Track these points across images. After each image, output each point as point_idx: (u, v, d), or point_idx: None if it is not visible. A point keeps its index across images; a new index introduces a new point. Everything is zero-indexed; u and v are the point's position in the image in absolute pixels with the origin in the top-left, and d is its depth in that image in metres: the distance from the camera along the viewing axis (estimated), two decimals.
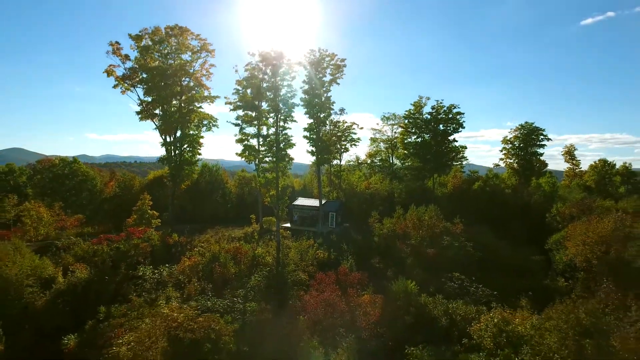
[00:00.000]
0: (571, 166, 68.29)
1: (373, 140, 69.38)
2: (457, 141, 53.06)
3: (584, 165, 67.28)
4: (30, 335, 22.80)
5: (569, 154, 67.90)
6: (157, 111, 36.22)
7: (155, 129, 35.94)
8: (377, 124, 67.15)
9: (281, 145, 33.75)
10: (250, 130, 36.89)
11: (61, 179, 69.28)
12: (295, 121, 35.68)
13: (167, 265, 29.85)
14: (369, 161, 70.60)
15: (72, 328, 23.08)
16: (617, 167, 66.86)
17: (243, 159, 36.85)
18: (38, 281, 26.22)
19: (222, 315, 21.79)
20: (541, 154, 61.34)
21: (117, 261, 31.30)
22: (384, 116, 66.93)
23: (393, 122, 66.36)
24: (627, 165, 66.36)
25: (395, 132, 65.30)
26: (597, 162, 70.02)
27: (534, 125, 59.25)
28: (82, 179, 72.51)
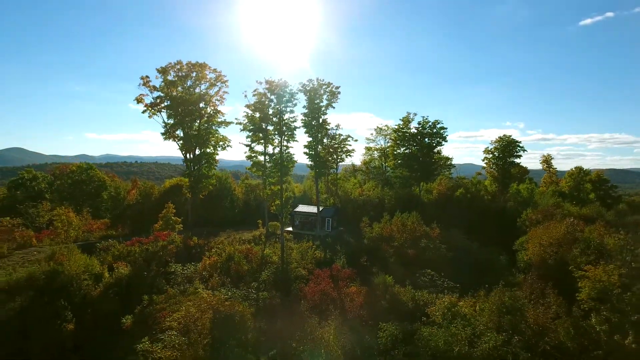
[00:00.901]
0: (548, 173, 75.01)
1: (368, 149, 76.24)
2: (441, 152, 59.75)
3: (585, 165, 73.85)
4: (91, 318, 29.46)
5: (546, 162, 74.68)
6: (178, 132, 42.87)
7: (178, 149, 42.70)
8: (371, 134, 73.85)
9: (285, 162, 40.48)
10: (259, 148, 43.53)
11: (80, 185, 76.35)
12: (296, 141, 42.47)
13: (192, 263, 36.56)
14: (364, 168, 77.45)
15: (122, 313, 29.76)
16: (591, 174, 73.60)
17: (252, 172, 43.50)
18: (91, 276, 32.90)
19: (240, 302, 28.44)
20: (518, 164, 68.00)
21: (149, 260, 37.96)
22: (378, 127, 73.83)
23: (385, 134, 73.23)
24: (600, 173, 73.01)
25: (387, 142, 72.10)
26: (573, 169, 76.73)
27: (511, 137, 66.02)
28: (99, 184, 79.63)
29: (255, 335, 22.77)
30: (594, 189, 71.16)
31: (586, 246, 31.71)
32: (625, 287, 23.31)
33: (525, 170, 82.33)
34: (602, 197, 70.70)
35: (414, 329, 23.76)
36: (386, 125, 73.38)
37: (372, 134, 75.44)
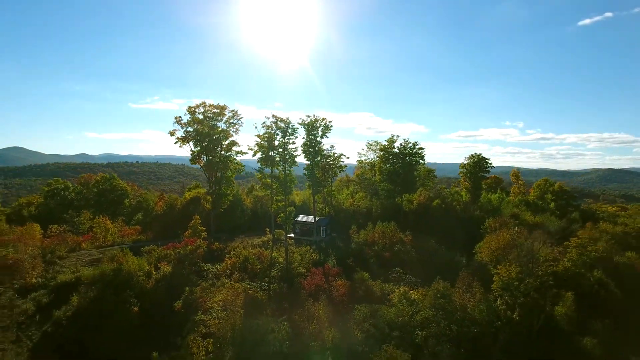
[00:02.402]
0: (517, 185, 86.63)
1: (360, 162, 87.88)
2: (420, 170, 71.16)
3: (584, 164, 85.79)
4: (148, 305, 40.95)
5: (515, 176, 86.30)
6: (203, 158, 54.38)
7: (203, 172, 54.24)
8: (363, 149, 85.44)
9: (288, 183, 51.99)
10: (267, 170, 54.99)
11: (104, 193, 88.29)
12: (297, 165, 53.99)
13: (217, 263, 48.15)
14: (356, 179, 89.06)
15: (170, 300, 41.21)
16: (554, 186, 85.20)
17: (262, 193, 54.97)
18: (143, 273, 44.41)
19: (258, 291, 40.00)
20: (487, 178, 79.63)
21: (182, 261, 49.46)
22: (369, 143, 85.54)
23: (375, 149, 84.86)
24: (561, 185, 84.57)
25: (377, 156, 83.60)
26: (540, 180, 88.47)
27: (481, 155, 77.58)
28: (121, 192, 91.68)
29: (270, 311, 34.36)
30: (555, 199, 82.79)
31: (520, 250, 43.21)
32: (520, 280, 34.91)
33: (499, 181, 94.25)
34: (563, 206, 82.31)
35: (378, 308, 35.37)
36: (375, 142, 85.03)
37: (363, 149, 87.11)
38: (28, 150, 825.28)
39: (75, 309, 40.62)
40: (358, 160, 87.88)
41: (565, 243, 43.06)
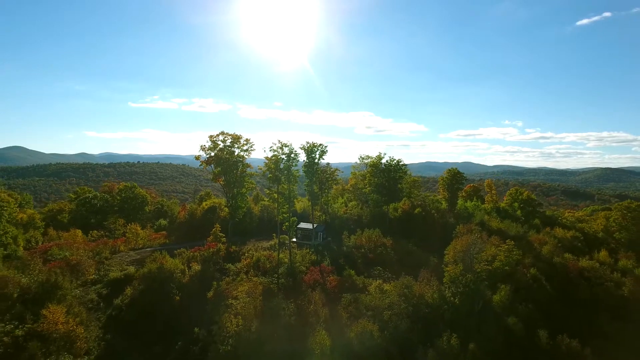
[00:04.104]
0: (490, 194, 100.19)
1: (353, 174, 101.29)
2: (401, 184, 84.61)
3: (583, 163, 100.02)
4: (186, 295, 54.29)
5: (489, 186, 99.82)
6: (222, 177, 67.95)
7: (222, 188, 67.61)
8: (356, 162, 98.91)
9: (291, 198, 65.42)
10: (274, 186, 68.49)
11: (127, 201, 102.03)
12: (298, 183, 67.41)
13: (236, 262, 61.66)
14: (350, 188, 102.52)
15: (203, 291, 54.65)
16: (523, 195, 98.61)
17: (269, 203, 68.44)
18: (179, 270, 57.82)
19: (270, 283, 53.53)
20: (462, 189, 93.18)
21: (207, 261, 62.87)
22: (361, 157, 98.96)
23: (367, 162, 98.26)
24: (529, 194, 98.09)
25: (367, 170, 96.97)
26: (512, 189, 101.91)
27: (457, 170, 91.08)
28: (142, 200, 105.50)
29: (280, 298, 47.94)
30: (523, 206, 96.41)
31: (465, 253, 56.64)
32: (462, 275, 48.40)
33: (477, 189, 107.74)
34: (530, 213, 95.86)
35: (359, 296, 48.94)
36: (367, 155, 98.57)
37: (356, 162, 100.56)
38: (28, 149, 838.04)
39: (130, 298, 54.09)
40: (352, 172, 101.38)
41: (499, 247, 56.24)
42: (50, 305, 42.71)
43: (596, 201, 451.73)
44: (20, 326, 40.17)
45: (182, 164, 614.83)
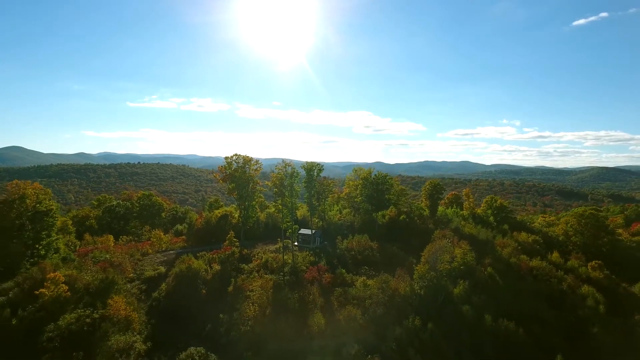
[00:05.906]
0: (467, 202, 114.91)
1: (347, 185, 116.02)
2: (389, 194, 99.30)
3: (581, 162, 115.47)
4: (211, 290, 68.87)
5: (467, 195, 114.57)
6: (236, 192, 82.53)
7: (235, 201, 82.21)
8: (351, 173, 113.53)
9: (294, 209, 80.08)
10: (279, 199, 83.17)
11: (146, 208, 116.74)
12: (299, 197, 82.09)
13: (248, 263, 76.36)
14: (345, 197, 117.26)
15: (224, 286, 69.23)
16: (497, 202, 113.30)
17: (274, 212, 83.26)
18: (203, 270, 72.35)
19: (277, 280, 68.16)
20: (442, 198, 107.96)
21: (224, 262, 77.47)
22: (354, 169, 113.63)
23: (360, 173, 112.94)
24: (502, 202, 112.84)
25: (359, 182, 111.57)
26: (488, 197, 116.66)
27: (438, 181, 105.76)
28: (158, 207, 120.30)
29: (287, 290, 62.69)
30: (497, 213, 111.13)
31: (432, 255, 71.46)
32: (428, 273, 63.11)
33: (457, 197, 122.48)
34: (504, 218, 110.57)
35: (348, 289, 63.72)
36: (360, 167, 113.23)
37: (351, 174, 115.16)
38: (26, 149, 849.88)
39: (165, 292, 68.71)
40: (346, 183, 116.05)
41: (457, 249, 70.85)
42: (113, 296, 57.33)
43: (589, 201, 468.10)
44: (95, 311, 54.78)
45: (182, 165, 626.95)
